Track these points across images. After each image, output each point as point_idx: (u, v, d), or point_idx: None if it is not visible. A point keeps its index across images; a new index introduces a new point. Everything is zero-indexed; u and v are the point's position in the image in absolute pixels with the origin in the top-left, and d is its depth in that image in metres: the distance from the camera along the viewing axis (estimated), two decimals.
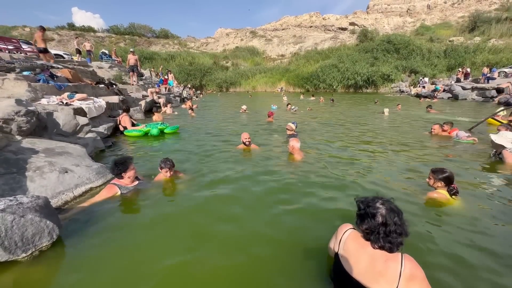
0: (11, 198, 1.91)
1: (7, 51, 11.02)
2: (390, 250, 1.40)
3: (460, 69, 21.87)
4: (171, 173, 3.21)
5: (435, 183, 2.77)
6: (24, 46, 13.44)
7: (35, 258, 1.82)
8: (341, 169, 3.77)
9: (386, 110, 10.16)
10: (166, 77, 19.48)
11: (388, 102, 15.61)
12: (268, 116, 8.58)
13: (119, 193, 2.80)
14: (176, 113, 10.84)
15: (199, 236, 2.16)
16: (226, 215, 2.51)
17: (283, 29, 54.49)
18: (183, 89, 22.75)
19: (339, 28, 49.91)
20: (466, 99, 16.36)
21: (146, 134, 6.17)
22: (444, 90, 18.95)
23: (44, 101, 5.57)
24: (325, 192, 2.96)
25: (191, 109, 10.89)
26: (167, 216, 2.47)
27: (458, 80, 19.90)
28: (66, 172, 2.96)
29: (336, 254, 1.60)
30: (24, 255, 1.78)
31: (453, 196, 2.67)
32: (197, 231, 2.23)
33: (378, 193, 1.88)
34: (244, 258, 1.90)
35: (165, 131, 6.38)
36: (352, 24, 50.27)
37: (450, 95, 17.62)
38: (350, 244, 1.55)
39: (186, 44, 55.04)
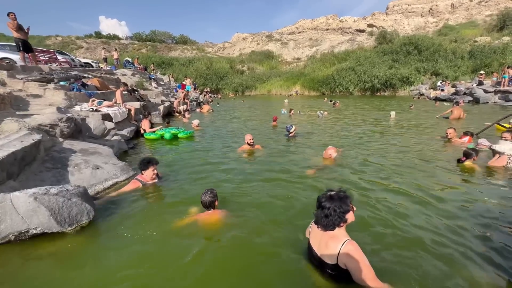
0: (60, 186, 2.53)
1: (44, 62, 12.38)
2: (321, 229, 1.81)
3: (482, 72, 20.77)
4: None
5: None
6: (59, 57, 14.95)
7: (77, 232, 2.42)
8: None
9: (392, 113, 10.22)
10: (184, 82, 20.49)
11: (402, 105, 15.44)
12: (273, 121, 9.05)
13: (141, 186, 3.40)
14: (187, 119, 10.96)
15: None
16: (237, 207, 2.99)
17: (299, 33, 54.68)
18: (200, 94, 23.75)
19: (357, 30, 49.20)
20: (488, 102, 15.74)
21: (162, 137, 6.78)
22: (464, 93, 18.29)
23: (77, 108, 6.41)
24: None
25: (183, 114, 11.44)
26: (179, 204, 3.01)
27: (480, 83, 19.09)
28: (98, 168, 3.60)
29: (309, 235, 2.07)
30: (70, 228, 2.38)
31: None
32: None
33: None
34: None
35: (179, 135, 6.85)
36: (370, 25, 49.34)
37: (471, 99, 17.00)
38: (314, 225, 2.00)
39: (203, 49, 56.88)
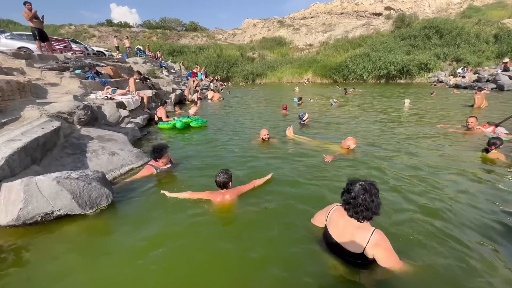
0: (80, 171, 2.64)
1: (60, 51, 12.64)
2: (358, 220, 1.80)
3: (506, 60, 19.35)
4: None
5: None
6: (73, 46, 15.19)
7: (98, 214, 2.55)
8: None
9: (406, 101, 9.86)
10: (194, 70, 20.44)
11: (418, 93, 14.81)
12: (283, 109, 8.92)
13: (155, 172, 3.50)
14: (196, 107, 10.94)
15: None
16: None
17: (311, 17, 52.67)
18: (211, 82, 23.69)
19: (373, 14, 46.82)
20: None
21: (175, 127, 6.78)
22: (487, 80, 17.27)
23: (93, 96, 6.57)
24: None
25: (195, 102, 11.27)
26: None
27: (506, 69, 17.93)
28: (114, 154, 3.72)
29: (326, 224, 2.07)
30: (91, 211, 2.50)
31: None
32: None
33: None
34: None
35: (191, 124, 6.81)
36: (387, 8, 46.79)
37: (494, 86, 16.04)
38: (333, 214, 2.02)
39: (214, 36, 56.13)
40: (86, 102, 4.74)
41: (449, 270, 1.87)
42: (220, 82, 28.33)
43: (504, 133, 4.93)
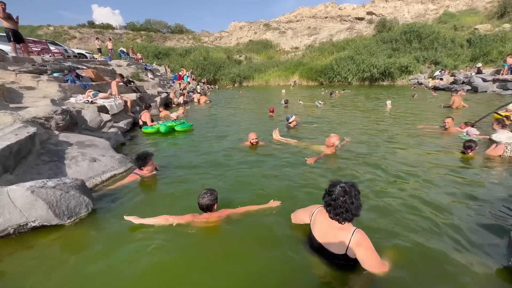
0: (57, 179, 2.51)
1: (37, 53, 12.09)
2: (339, 221, 1.82)
3: (478, 65, 20.30)
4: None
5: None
6: (52, 47, 14.57)
7: (76, 224, 2.43)
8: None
9: (388, 103, 10.22)
10: (180, 73, 20.18)
11: (401, 94, 15.39)
12: (270, 112, 9.01)
13: (139, 179, 3.39)
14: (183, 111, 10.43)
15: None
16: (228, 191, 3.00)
17: (297, 21, 53.55)
18: (197, 84, 23.46)
19: (356, 18, 48.24)
20: (486, 91, 15.71)
21: (159, 131, 6.55)
22: (463, 82, 18.22)
23: (72, 100, 6.32)
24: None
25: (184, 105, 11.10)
26: (177, 196, 3.02)
27: (479, 72, 19.00)
28: (95, 161, 3.58)
29: (309, 225, 2.09)
30: (69, 221, 2.39)
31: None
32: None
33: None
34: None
35: (176, 128, 6.68)
36: (369, 13, 48.37)
37: (469, 87, 16.95)
38: (317, 216, 2.03)
39: (200, 38, 55.77)
40: (64, 107, 4.55)
41: (428, 267, 1.93)
42: (207, 85, 28.13)
43: (475, 134, 5.21)
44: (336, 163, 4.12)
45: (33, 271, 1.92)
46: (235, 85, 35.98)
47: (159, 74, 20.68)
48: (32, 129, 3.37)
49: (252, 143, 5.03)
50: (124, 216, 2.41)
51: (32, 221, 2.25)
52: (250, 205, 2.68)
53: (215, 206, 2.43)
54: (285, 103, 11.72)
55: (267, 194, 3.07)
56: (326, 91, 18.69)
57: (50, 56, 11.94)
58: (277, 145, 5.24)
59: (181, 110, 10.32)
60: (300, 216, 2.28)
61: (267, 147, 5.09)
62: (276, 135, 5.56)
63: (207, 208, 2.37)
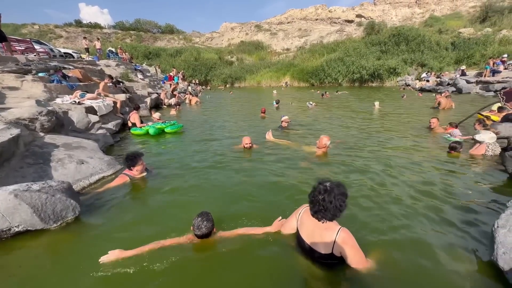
0: (43, 182, 2.44)
1: (21, 53, 11.69)
2: (318, 219, 1.82)
3: (462, 67, 20.93)
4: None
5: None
6: (36, 47, 14.12)
7: (63, 228, 2.37)
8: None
9: (376, 104, 10.45)
10: (171, 73, 19.94)
11: (389, 95, 15.75)
12: (262, 112, 9.04)
13: (128, 181, 3.33)
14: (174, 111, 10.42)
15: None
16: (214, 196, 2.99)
17: (288, 23, 54.01)
18: (188, 85, 23.25)
19: (345, 21, 49.14)
20: (470, 93, 16.28)
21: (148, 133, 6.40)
22: (448, 84, 18.83)
23: (59, 100, 6.14)
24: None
25: (176, 107, 10.90)
26: (168, 198, 2.98)
27: (463, 74, 19.69)
28: (83, 163, 3.50)
29: (297, 227, 2.07)
30: (55, 225, 2.32)
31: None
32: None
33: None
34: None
35: (166, 130, 6.56)
36: (359, 16, 49.38)
37: (454, 89, 17.52)
38: (304, 215, 2.03)
39: (191, 39, 55.35)
40: (50, 107, 4.41)
41: (412, 265, 1.98)
42: (199, 86, 27.92)
43: (459, 135, 5.38)
44: (328, 165, 4.14)
45: (16, 277, 1.85)
46: (227, 86, 35.89)
47: (149, 74, 20.37)
48: (15, 131, 3.26)
49: (245, 147, 4.89)
50: (110, 252, 2.00)
51: (15, 226, 2.18)
52: (248, 228, 2.36)
53: (214, 230, 2.17)
54: (276, 103, 11.78)
55: (260, 201, 2.97)
56: (318, 92, 18.84)
57: (34, 55, 11.56)
58: (270, 147, 5.14)
59: (173, 111, 10.23)
60: (288, 225, 2.20)
61: (260, 151, 4.93)
62: (269, 136, 5.58)
63: (206, 236, 2.11)
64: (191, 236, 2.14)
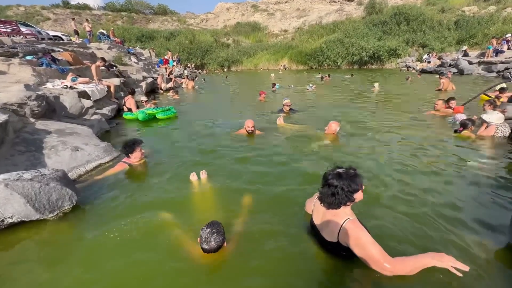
0: (35, 170, 2.29)
1: (6, 35, 11.09)
2: (324, 206, 1.72)
3: (464, 48, 20.44)
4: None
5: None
6: (23, 29, 13.41)
7: (60, 218, 2.24)
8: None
9: (376, 85, 10.24)
10: (166, 57, 19.28)
11: (389, 78, 15.43)
12: (260, 95, 8.68)
13: (127, 168, 3.19)
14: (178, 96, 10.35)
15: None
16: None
17: (286, 2, 51.83)
18: (184, 69, 22.59)
19: (346, 0, 47.24)
20: (471, 74, 15.99)
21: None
22: (450, 65, 18.44)
23: (49, 85, 5.84)
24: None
25: (175, 91, 10.64)
26: (168, 185, 2.86)
27: (465, 54, 19.25)
28: (77, 150, 3.33)
29: (312, 209, 2.01)
30: (51, 215, 2.19)
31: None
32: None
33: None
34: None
35: (157, 116, 6.19)
36: None
37: (456, 70, 17.19)
38: (317, 202, 1.92)
39: (185, 20, 53.21)
40: (40, 92, 4.16)
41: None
42: (195, 70, 27.19)
43: (463, 118, 5.18)
44: (337, 151, 3.96)
45: (13, 270, 1.75)
46: (224, 69, 34.99)
47: (143, 58, 19.67)
48: (3, 117, 3.05)
49: (248, 132, 4.51)
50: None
51: (9, 217, 2.05)
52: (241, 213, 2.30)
53: (225, 244, 1.83)
54: (273, 87, 11.47)
55: (264, 191, 2.77)
56: (319, 75, 18.18)
57: (21, 38, 10.97)
58: (276, 134, 4.76)
59: (175, 95, 9.97)
60: (308, 205, 2.23)
61: (265, 137, 4.59)
62: (280, 121, 5.33)
63: (214, 251, 1.78)
64: (197, 249, 1.82)
